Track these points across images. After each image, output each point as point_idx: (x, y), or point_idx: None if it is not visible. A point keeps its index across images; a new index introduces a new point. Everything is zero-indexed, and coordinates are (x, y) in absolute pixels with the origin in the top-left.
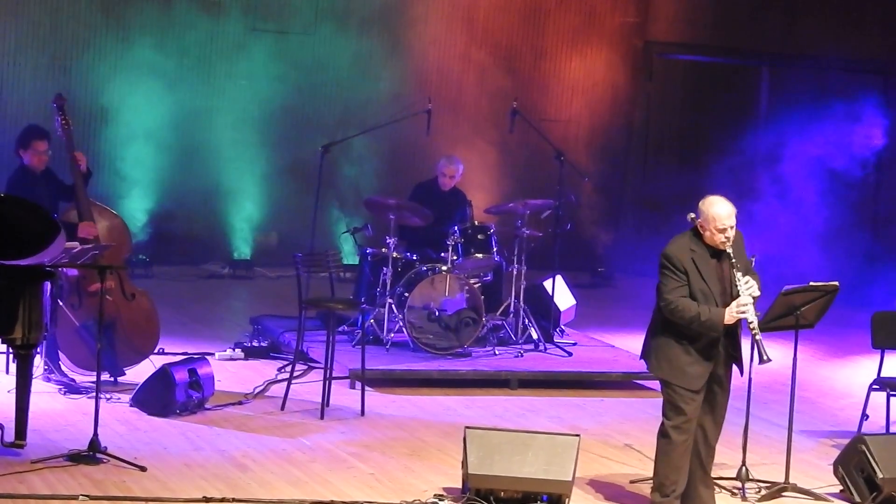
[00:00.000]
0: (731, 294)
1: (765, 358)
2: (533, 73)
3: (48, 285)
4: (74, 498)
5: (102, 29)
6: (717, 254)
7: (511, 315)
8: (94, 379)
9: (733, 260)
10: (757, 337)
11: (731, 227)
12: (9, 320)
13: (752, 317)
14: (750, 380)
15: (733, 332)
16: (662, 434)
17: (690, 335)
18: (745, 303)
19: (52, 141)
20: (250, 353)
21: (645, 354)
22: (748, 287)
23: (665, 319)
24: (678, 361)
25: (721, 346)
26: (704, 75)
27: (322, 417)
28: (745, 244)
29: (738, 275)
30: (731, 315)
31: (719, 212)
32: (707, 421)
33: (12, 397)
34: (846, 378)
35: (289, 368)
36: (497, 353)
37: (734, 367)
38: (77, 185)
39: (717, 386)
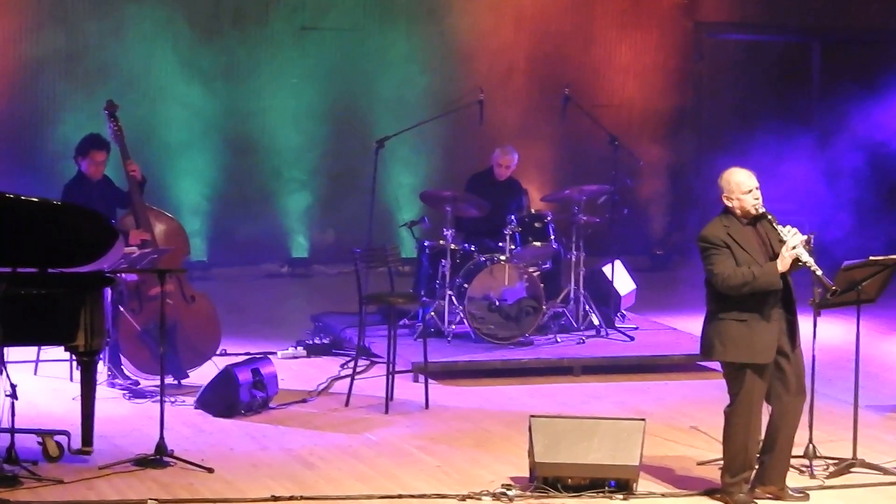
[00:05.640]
0: (774, 256)
1: (829, 287)
2: (583, 58)
3: (108, 291)
4: (143, 502)
5: (151, 33)
6: (752, 222)
7: (571, 302)
8: (158, 383)
9: (770, 217)
10: (817, 273)
11: (757, 188)
12: (71, 328)
13: (805, 255)
14: (813, 357)
15: (788, 298)
16: (728, 418)
17: (747, 308)
18: (794, 244)
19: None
20: (312, 351)
21: (707, 346)
22: (793, 234)
23: (719, 303)
24: (743, 339)
25: (778, 315)
26: (755, 54)
27: (386, 412)
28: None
29: (779, 227)
30: (783, 262)
31: (738, 177)
32: (781, 400)
33: (78, 404)
34: None
35: (351, 364)
36: (559, 340)
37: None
38: (133, 193)
39: (784, 362)
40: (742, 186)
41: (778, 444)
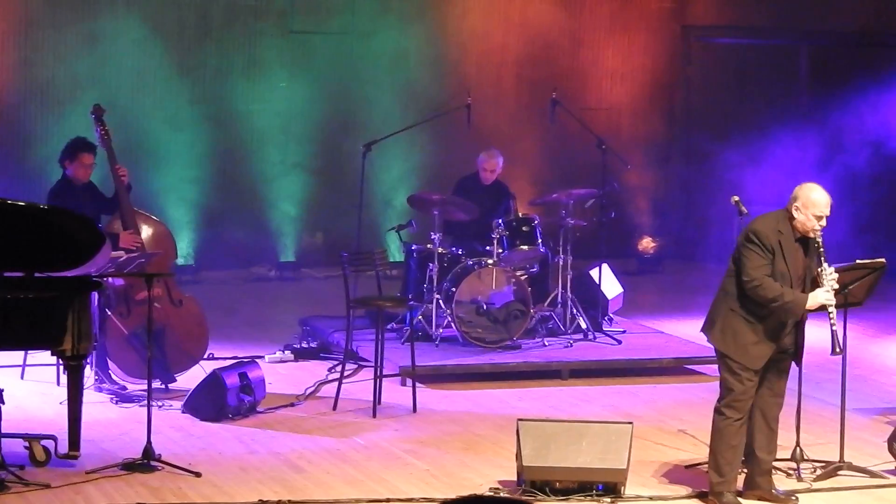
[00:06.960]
0: (804, 280)
1: (837, 350)
2: (571, 62)
3: (96, 295)
4: None
5: (140, 38)
6: (801, 239)
7: (559, 305)
8: (146, 387)
9: (822, 249)
10: (834, 327)
11: (826, 217)
12: (58, 332)
13: (833, 304)
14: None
15: (803, 320)
16: (717, 412)
17: (761, 314)
18: (830, 294)
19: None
20: (300, 355)
21: (708, 324)
22: (832, 278)
23: (738, 294)
24: (743, 338)
25: (787, 333)
26: (744, 57)
27: (375, 416)
28: None
29: (826, 264)
30: (814, 301)
31: (819, 198)
32: (766, 402)
33: (65, 408)
34: None
35: (339, 368)
36: (547, 344)
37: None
38: (120, 196)
39: (775, 368)
40: (815, 209)
41: (762, 446)
